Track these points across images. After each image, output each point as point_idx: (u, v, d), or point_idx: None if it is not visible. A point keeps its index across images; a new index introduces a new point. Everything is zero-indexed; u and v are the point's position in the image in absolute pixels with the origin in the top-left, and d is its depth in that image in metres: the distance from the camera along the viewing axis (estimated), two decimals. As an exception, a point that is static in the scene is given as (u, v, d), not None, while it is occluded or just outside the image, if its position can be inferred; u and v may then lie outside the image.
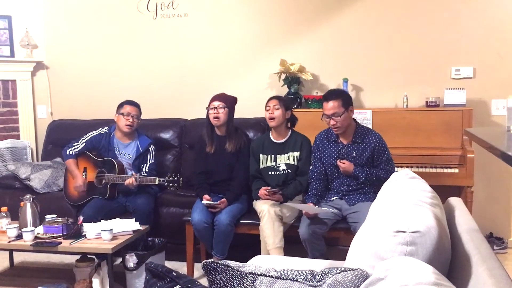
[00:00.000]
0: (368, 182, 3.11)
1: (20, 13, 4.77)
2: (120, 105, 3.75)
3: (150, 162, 3.75)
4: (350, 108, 3.10)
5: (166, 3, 4.56)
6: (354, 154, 3.13)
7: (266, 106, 3.39)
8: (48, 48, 4.86)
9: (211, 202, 3.27)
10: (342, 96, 3.10)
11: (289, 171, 3.36)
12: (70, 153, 3.71)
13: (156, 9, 4.58)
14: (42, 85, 4.88)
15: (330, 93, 3.19)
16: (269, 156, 3.40)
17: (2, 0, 4.71)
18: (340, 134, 3.16)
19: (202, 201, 3.30)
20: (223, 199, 3.30)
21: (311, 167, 3.28)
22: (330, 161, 3.19)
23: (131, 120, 3.68)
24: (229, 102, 3.48)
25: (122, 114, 3.69)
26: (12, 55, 4.76)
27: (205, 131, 3.52)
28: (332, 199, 3.19)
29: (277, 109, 3.33)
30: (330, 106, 3.06)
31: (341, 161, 3.12)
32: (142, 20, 4.61)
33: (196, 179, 3.50)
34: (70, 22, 4.79)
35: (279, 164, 3.38)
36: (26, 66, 4.79)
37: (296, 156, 3.35)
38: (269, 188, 3.25)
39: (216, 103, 3.42)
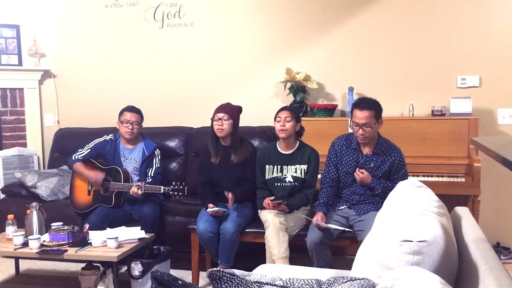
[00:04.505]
0: (383, 195, 3.02)
1: (28, 23, 4.82)
2: (121, 112, 3.77)
3: (156, 166, 3.77)
4: (380, 120, 3.06)
5: (172, 12, 4.59)
6: (372, 165, 3.09)
7: (276, 116, 3.31)
8: (55, 57, 4.91)
9: (216, 209, 3.26)
10: (376, 107, 3.03)
11: (295, 183, 3.32)
12: (77, 157, 3.74)
13: (163, 18, 4.61)
14: (50, 94, 4.92)
15: (364, 101, 3.08)
16: (276, 166, 3.37)
17: (11, 9, 4.76)
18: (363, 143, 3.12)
19: (207, 210, 3.30)
20: (230, 195, 3.28)
21: (324, 173, 3.24)
22: (346, 169, 3.14)
23: (130, 127, 3.70)
24: (234, 113, 3.44)
25: (122, 121, 3.72)
26: (20, 63, 4.80)
27: (209, 142, 3.50)
28: (340, 208, 3.17)
29: (289, 121, 3.26)
30: (364, 115, 2.98)
31: (360, 170, 3.07)
32: (149, 29, 4.65)
33: (202, 188, 3.49)
34: (78, 31, 4.83)
35: (285, 175, 3.34)
36: (33, 74, 4.83)
37: (304, 169, 3.31)
38: (273, 198, 3.23)
39: (220, 115, 3.39)
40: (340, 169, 3.18)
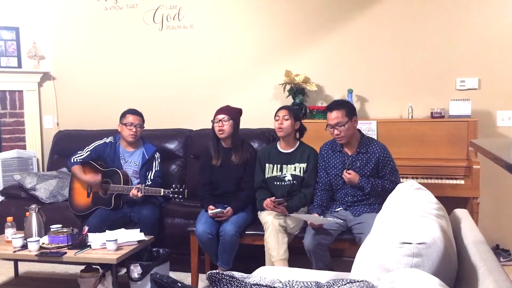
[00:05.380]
0: (374, 193, 3.10)
1: (27, 25, 4.82)
2: (123, 115, 3.77)
3: (156, 169, 3.78)
4: (354, 118, 3.12)
5: (172, 15, 4.60)
6: (358, 164, 3.13)
7: (275, 115, 3.38)
8: (55, 59, 4.91)
9: (218, 210, 3.27)
10: (345, 106, 3.13)
11: (294, 182, 3.34)
12: (75, 160, 3.74)
13: (162, 21, 4.62)
14: (49, 96, 4.92)
15: (333, 103, 3.23)
16: (275, 165, 3.39)
17: (10, 11, 4.77)
18: (344, 144, 3.17)
19: (208, 212, 3.30)
20: (228, 208, 3.30)
21: (317, 178, 3.28)
22: (335, 172, 3.20)
23: (134, 130, 3.71)
24: (234, 114, 3.46)
25: (125, 124, 3.72)
26: (20, 66, 4.80)
27: (210, 144, 3.51)
28: (337, 210, 3.19)
29: (287, 119, 3.31)
30: (334, 116, 3.09)
31: (347, 171, 3.12)
32: (148, 31, 4.65)
33: (202, 190, 3.50)
34: (77, 34, 4.83)
35: (285, 174, 3.36)
36: (33, 77, 4.83)
37: (303, 168, 3.34)
38: (274, 198, 3.24)
39: (220, 116, 3.41)
40: (329, 172, 3.23)
